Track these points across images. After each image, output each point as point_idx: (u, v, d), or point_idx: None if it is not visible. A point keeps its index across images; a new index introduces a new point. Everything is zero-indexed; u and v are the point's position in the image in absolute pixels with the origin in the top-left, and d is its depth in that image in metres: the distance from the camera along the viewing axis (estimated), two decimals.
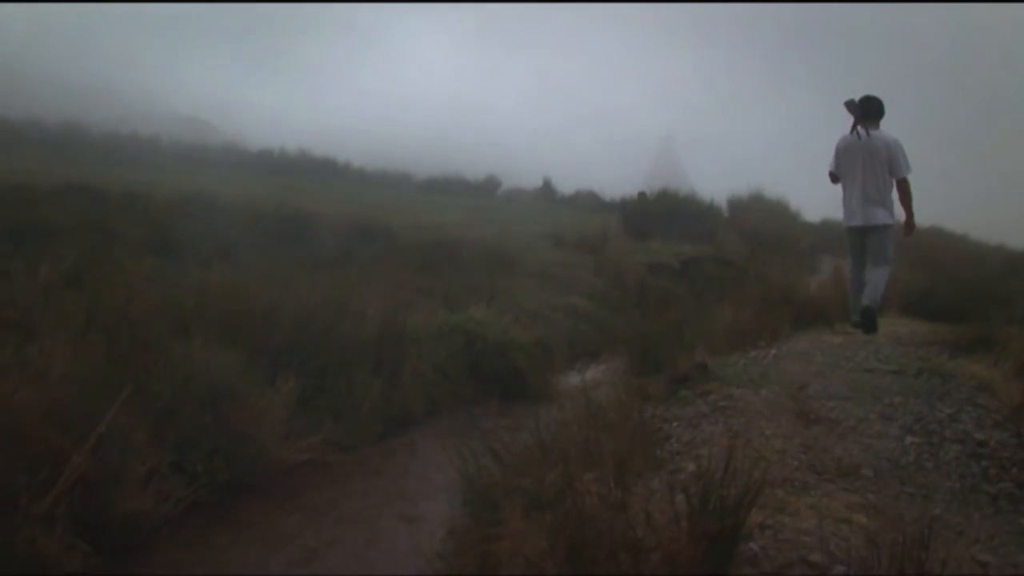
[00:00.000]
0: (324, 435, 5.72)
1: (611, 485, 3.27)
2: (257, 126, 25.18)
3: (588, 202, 22.44)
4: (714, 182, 19.33)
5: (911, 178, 6.32)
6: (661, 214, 15.00)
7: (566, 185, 24.18)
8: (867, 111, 6.13)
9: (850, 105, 6.05)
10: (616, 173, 22.97)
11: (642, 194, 19.00)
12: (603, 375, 7.43)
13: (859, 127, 6.13)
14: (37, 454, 3.84)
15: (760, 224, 15.88)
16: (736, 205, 18.14)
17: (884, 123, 6.46)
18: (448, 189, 21.15)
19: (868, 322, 6.40)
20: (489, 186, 22.91)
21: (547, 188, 23.39)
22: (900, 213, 6.66)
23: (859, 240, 6.45)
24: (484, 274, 9.84)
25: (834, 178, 6.44)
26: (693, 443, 4.19)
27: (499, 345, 7.59)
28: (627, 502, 3.15)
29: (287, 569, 4.26)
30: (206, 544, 4.49)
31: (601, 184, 24.08)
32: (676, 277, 12.10)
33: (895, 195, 6.32)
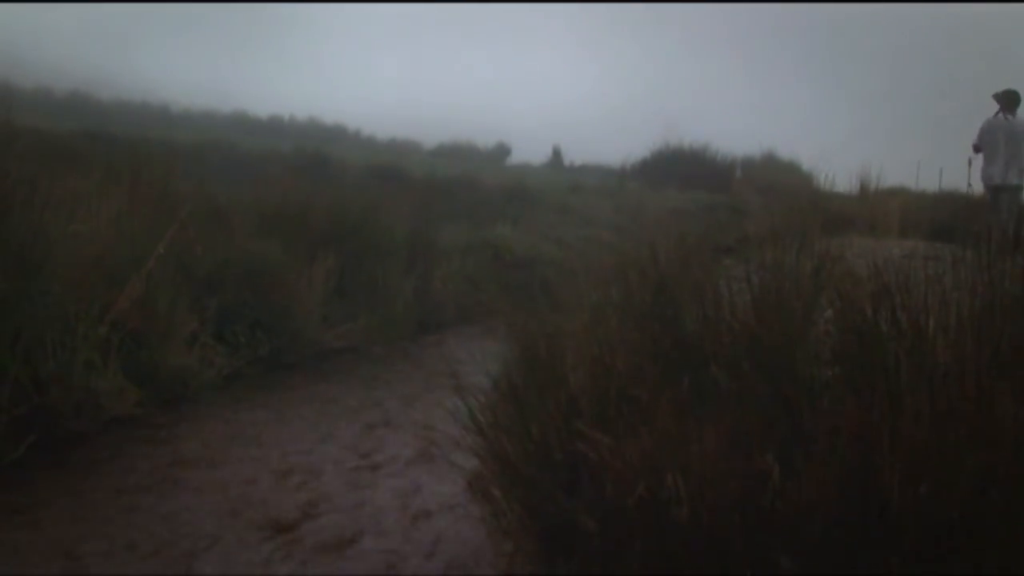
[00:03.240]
0: (361, 323, 5.73)
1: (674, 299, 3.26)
2: (262, 110, 25.01)
3: (597, 172, 22.38)
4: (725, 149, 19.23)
5: None
6: (676, 167, 14.96)
7: (574, 158, 24.07)
8: (1010, 101, 7.89)
9: (996, 97, 7.86)
10: (622, 147, 22.81)
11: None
12: None
13: (1004, 113, 7.79)
14: (89, 290, 3.84)
15: (774, 179, 15.83)
16: (749, 164, 18.11)
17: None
18: (457, 154, 21.12)
19: None
20: (499, 153, 22.87)
21: (557, 157, 23.31)
22: None
23: (997, 195, 8.10)
24: (506, 206, 9.82)
25: (976, 149, 8.15)
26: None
27: (527, 259, 7.57)
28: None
29: (337, 423, 4.25)
30: (253, 402, 4.49)
31: (609, 158, 23.93)
32: (693, 220, 12.07)
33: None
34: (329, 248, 5.78)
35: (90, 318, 3.69)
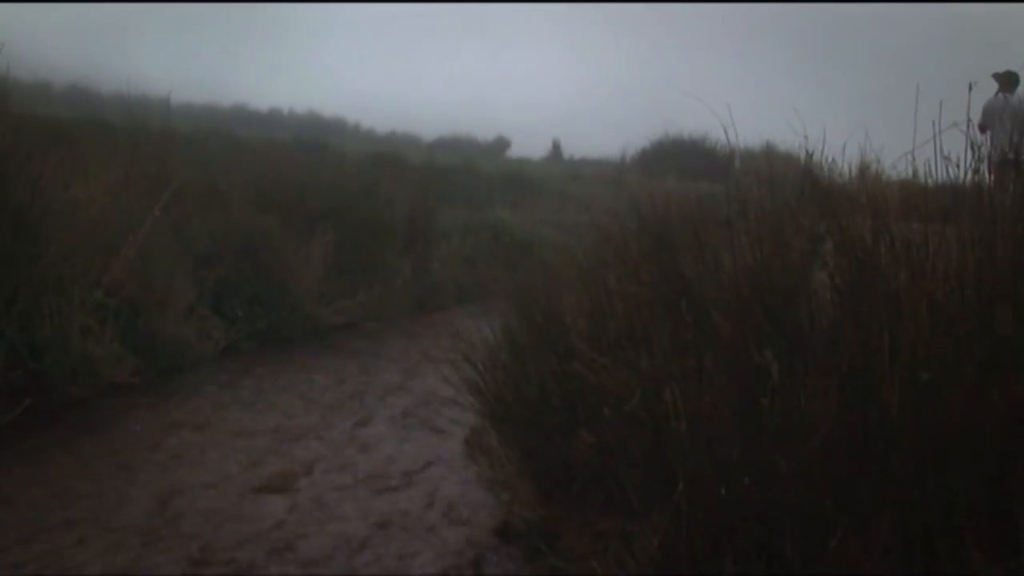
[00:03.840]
0: (359, 299, 5.71)
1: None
2: (262, 104, 25.00)
3: (597, 165, 22.35)
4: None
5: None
6: (675, 157, 14.94)
7: (574, 152, 24.03)
8: (1009, 81, 8.02)
9: (996, 77, 8.01)
10: (622, 141, 22.77)
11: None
12: None
13: (1004, 93, 7.83)
14: (86, 255, 3.82)
15: (774, 168, 15.76)
16: (748, 156, 18.05)
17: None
18: (457, 147, 21.06)
19: None
20: (498, 146, 22.83)
21: (556, 150, 23.27)
22: None
23: (1003, 171, 8.82)
24: (505, 192, 9.80)
25: (982, 129, 8.04)
26: None
27: (526, 241, 7.55)
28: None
29: (333, 391, 4.24)
30: (249, 374, 4.47)
31: (609, 152, 23.88)
32: (693, 207, 12.07)
33: None
34: (327, 224, 5.76)
35: (86, 282, 3.67)
